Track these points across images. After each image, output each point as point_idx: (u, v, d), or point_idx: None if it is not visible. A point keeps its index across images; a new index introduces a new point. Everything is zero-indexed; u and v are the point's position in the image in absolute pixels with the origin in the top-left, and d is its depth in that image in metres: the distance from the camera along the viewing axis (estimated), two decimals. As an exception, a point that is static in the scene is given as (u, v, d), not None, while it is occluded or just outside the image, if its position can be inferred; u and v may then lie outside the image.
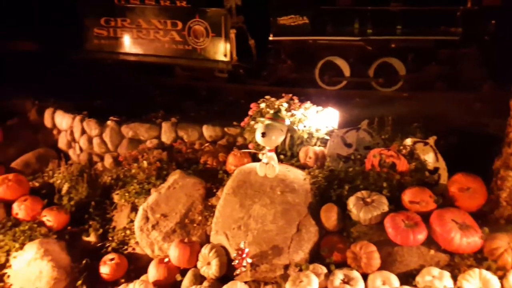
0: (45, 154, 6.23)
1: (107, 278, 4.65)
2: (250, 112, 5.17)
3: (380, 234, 4.04)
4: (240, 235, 4.24)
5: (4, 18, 8.29)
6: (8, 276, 4.70)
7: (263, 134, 4.30)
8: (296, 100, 5.12)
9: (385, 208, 4.09)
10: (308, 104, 5.12)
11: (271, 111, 4.73)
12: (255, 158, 4.98)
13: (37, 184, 5.62)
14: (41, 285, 4.54)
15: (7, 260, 4.78)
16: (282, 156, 4.91)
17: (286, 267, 4.04)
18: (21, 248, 4.81)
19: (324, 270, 3.90)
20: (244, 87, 7.14)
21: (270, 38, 6.92)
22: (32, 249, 4.71)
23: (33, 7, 8.36)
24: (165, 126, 5.75)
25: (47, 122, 6.56)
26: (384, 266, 3.87)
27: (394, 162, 4.32)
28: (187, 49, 7.10)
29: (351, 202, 4.18)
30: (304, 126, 4.97)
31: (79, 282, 4.60)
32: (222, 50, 6.94)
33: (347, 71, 6.73)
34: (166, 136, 5.73)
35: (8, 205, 5.21)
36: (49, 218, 5.04)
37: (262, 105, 5.06)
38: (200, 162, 5.33)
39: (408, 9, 6.40)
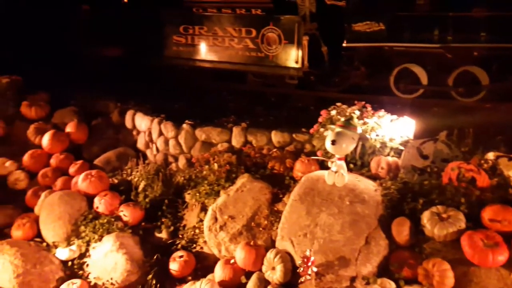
0: (125, 153, 6.57)
1: (176, 275, 4.82)
2: (319, 119, 5.12)
3: (455, 252, 3.82)
4: (305, 242, 4.21)
5: (96, 26, 9.01)
6: (87, 265, 5.02)
7: (333, 142, 4.23)
8: (369, 108, 4.99)
9: (462, 225, 3.85)
10: (382, 112, 4.97)
11: (342, 119, 4.65)
12: (323, 166, 4.92)
13: (116, 181, 5.94)
14: (116, 276, 4.80)
15: (87, 250, 5.10)
16: (352, 165, 4.81)
17: (353, 279, 3.94)
18: (99, 239, 5.10)
19: (392, 285, 3.75)
20: (314, 94, 7.10)
21: (344, 45, 6.81)
22: (109, 242, 4.99)
23: (120, 15, 8.97)
24: (235, 130, 5.87)
25: (128, 123, 6.95)
26: (458, 287, 3.64)
27: (474, 177, 4.05)
28: (259, 56, 7.21)
29: (426, 217, 3.98)
30: (377, 135, 4.82)
31: (150, 276, 4.78)
32: (293, 57, 6.96)
33: (424, 79, 6.43)
34: (236, 140, 5.84)
35: (90, 199, 5.54)
36: (126, 213, 5.32)
37: (333, 112, 4.99)
38: (268, 167, 5.37)
39: (494, 15, 5.97)
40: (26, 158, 6.35)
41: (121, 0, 9.54)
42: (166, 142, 6.31)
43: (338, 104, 5.10)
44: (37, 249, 5.05)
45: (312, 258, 3.91)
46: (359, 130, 4.55)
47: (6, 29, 8.72)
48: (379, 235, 4.10)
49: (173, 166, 6.24)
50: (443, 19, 6.21)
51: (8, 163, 6.28)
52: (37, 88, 7.52)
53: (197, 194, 5.34)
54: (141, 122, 6.67)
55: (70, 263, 5.06)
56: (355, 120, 4.64)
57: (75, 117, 7.02)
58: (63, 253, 5.07)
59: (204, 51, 7.77)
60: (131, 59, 8.48)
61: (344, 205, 4.31)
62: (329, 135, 4.35)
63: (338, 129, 4.35)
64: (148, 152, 6.67)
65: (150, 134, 6.56)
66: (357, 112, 4.86)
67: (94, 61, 8.78)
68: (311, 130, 5.19)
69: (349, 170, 4.58)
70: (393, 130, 4.87)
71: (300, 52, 6.89)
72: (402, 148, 4.79)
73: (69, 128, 6.78)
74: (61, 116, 7.15)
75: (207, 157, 5.63)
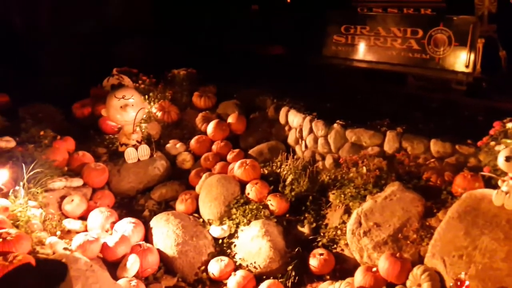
0: (276, 147, 6.81)
1: (314, 271, 4.88)
2: (491, 131, 4.55)
3: None
4: (460, 264, 3.84)
5: (262, 25, 9.62)
6: (235, 245, 5.37)
7: (508, 159, 3.74)
8: (557, 124, 4.26)
9: None
10: None
11: (522, 134, 4.07)
12: (488, 184, 4.41)
13: (266, 172, 6.20)
14: (259, 260, 5.05)
15: (236, 231, 5.45)
16: (527, 188, 4.18)
17: (514, 315, 3.46)
18: (248, 223, 5.42)
19: None
20: (484, 103, 6.34)
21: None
22: (256, 227, 5.27)
23: (284, 15, 9.39)
24: (389, 135, 5.61)
25: (281, 119, 7.21)
26: None
27: None
28: (424, 58, 6.76)
29: None
30: None
31: (290, 267, 4.92)
32: (463, 61, 6.34)
33: None
34: (389, 145, 5.59)
35: (242, 185, 5.92)
36: (273, 203, 5.56)
37: (509, 125, 4.38)
38: (422, 178, 5.02)
39: None
40: (193, 142, 7.11)
41: (285, 1, 9.98)
42: (316, 140, 6.37)
43: (517, 116, 4.47)
44: (195, 224, 5.56)
45: (467, 283, 3.55)
46: (543, 148, 3.92)
47: (182, 28, 9.90)
48: (556, 273, 3.50)
49: (320, 164, 6.27)
50: None
51: (179, 145, 7.15)
52: (207, 80, 8.38)
53: (342, 196, 5.30)
54: (294, 118, 6.86)
55: (220, 241, 5.45)
56: (538, 137, 4.02)
57: (236, 110, 7.56)
58: (215, 230, 5.48)
59: (363, 51, 7.64)
60: (292, 57, 8.81)
61: (513, 232, 3.79)
62: (503, 151, 3.85)
63: (515, 145, 3.83)
64: (297, 148, 6.83)
65: (301, 131, 6.70)
66: (542, 128, 4.19)
67: (259, 58, 9.37)
68: (479, 143, 4.66)
69: (524, 193, 3.99)
70: None
71: (472, 56, 6.24)
72: None
73: (230, 119, 7.35)
74: (224, 107, 7.77)
75: (356, 159, 5.53)
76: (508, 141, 3.97)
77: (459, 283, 3.58)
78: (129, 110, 6.32)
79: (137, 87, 7.53)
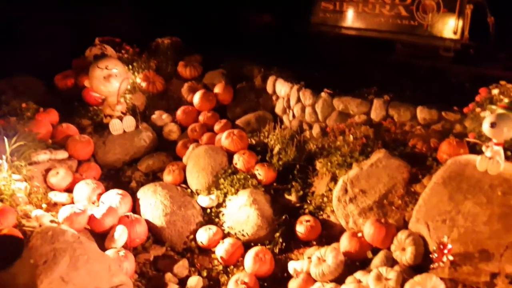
0: (264, 117, 6.79)
1: (301, 237, 4.97)
2: (477, 98, 4.58)
3: None
4: (443, 229, 3.92)
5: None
6: (223, 215, 5.43)
7: (493, 125, 3.75)
8: (542, 90, 4.27)
9: None
10: (559, 96, 4.22)
11: (506, 100, 4.07)
12: (473, 150, 4.45)
13: (254, 141, 6.22)
14: (247, 228, 5.12)
15: (224, 201, 5.50)
16: (509, 153, 4.22)
17: (494, 275, 3.60)
18: (235, 193, 5.47)
19: (545, 292, 3.29)
20: (471, 69, 6.32)
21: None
22: (244, 196, 5.31)
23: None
24: (376, 103, 5.60)
25: (269, 88, 7.14)
26: None
27: None
28: (412, 25, 6.67)
29: None
30: (548, 122, 4.11)
31: (277, 234, 5.02)
32: (452, 27, 6.27)
33: None
34: (376, 113, 5.59)
35: (230, 155, 5.92)
36: (260, 172, 5.58)
37: (495, 91, 4.40)
38: (408, 144, 5.05)
39: None
40: (179, 113, 7.03)
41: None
42: (303, 109, 6.35)
43: (502, 82, 4.47)
44: (182, 194, 5.58)
45: (450, 246, 3.64)
46: (527, 114, 3.93)
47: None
48: (535, 235, 3.59)
49: (307, 133, 6.28)
50: None
51: (165, 116, 7.06)
52: (193, 50, 8.19)
53: (329, 164, 5.32)
54: (281, 88, 6.80)
55: (208, 210, 5.49)
56: (523, 103, 4.02)
57: (223, 80, 7.45)
58: (203, 200, 5.51)
59: (352, 18, 7.51)
60: (279, 25, 8.62)
61: (495, 196, 3.86)
62: (488, 117, 3.86)
63: (500, 111, 3.83)
64: (284, 118, 6.81)
65: (288, 100, 6.66)
66: (526, 93, 4.21)
67: (245, 27, 9.16)
68: (465, 109, 4.68)
69: (506, 158, 4.03)
70: None
71: (460, 22, 6.17)
72: None
73: (217, 89, 7.25)
74: (211, 77, 7.64)
75: (343, 128, 5.53)
76: (493, 107, 3.98)
77: (442, 247, 3.66)
78: (113, 81, 6.21)
79: (121, 57, 7.35)
